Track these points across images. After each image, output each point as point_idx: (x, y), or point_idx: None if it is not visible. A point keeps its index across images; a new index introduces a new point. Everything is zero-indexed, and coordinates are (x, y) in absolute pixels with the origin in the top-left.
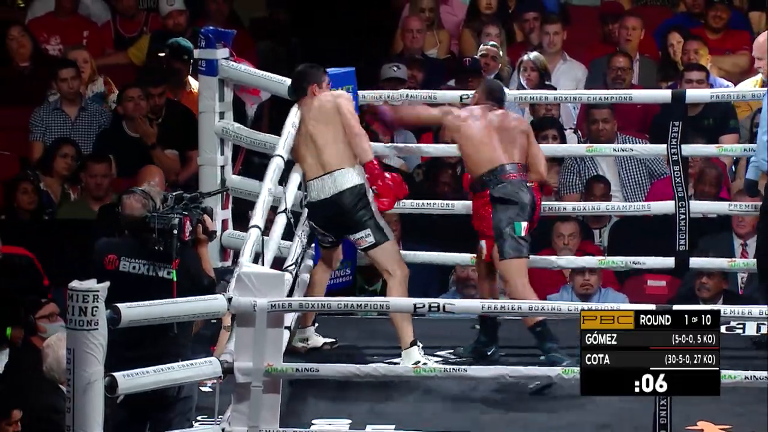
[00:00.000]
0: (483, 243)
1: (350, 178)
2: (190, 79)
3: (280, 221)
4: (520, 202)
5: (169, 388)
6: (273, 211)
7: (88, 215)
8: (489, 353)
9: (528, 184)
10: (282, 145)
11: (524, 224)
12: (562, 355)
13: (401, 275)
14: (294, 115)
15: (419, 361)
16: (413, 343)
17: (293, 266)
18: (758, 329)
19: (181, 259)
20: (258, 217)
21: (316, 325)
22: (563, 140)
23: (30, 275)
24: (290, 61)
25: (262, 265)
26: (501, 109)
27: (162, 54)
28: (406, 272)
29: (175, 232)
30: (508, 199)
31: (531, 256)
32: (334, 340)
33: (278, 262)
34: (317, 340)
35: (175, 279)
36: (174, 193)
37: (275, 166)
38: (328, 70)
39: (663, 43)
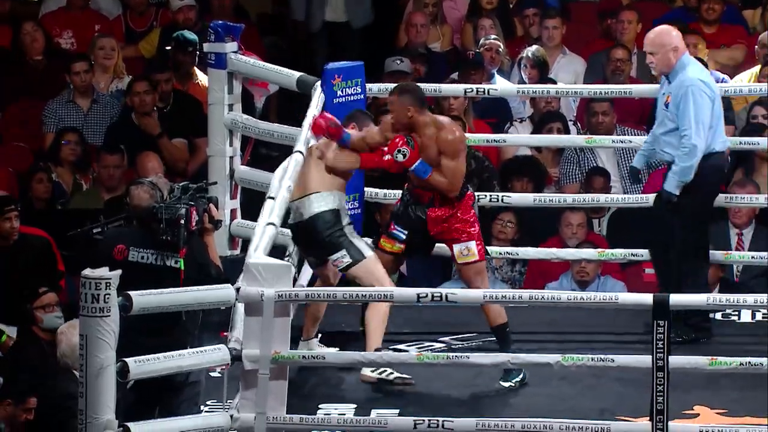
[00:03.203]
0: (473, 244)
1: (324, 203)
2: (197, 71)
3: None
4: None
5: (177, 373)
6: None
7: (99, 205)
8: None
9: None
10: (302, 140)
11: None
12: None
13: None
14: (315, 108)
15: (381, 370)
16: (378, 350)
17: (288, 257)
18: (753, 316)
19: (188, 249)
20: (275, 214)
21: (320, 336)
22: (567, 133)
23: (45, 257)
24: (296, 56)
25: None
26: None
27: (169, 47)
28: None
29: (183, 221)
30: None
31: (532, 249)
32: (337, 349)
33: (280, 251)
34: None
35: (182, 268)
36: (180, 184)
37: (294, 163)
38: (337, 63)
39: None
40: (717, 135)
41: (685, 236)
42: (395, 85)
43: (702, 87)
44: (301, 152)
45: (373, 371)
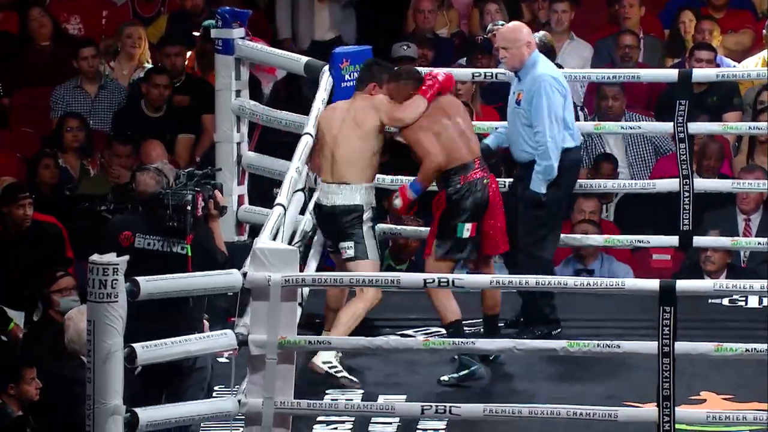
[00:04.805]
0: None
1: (354, 196)
2: None
3: (297, 199)
4: (473, 202)
5: (184, 359)
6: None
7: (107, 191)
8: None
9: (485, 180)
10: (311, 123)
11: (468, 225)
12: (473, 360)
13: (371, 297)
14: (323, 91)
15: (330, 363)
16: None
17: (299, 242)
18: (760, 302)
19: (194, 235)
20: (284, 196)
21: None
22: (576, 118)
23: (56, 245)
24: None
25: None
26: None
27: (197, 34)
28: (377, 296)
29: (189, 208)
30: (458, 201)
31: None
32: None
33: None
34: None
35: (189, 254)
36: (186, 170)
37: (304, 144)
38: (345, 47)
39: (673, 21)
40: (572, 130)
41: (535, 229)
42: (389, 72)
43: (553, 83)
44: (309, 134)
45: (324, 363)
